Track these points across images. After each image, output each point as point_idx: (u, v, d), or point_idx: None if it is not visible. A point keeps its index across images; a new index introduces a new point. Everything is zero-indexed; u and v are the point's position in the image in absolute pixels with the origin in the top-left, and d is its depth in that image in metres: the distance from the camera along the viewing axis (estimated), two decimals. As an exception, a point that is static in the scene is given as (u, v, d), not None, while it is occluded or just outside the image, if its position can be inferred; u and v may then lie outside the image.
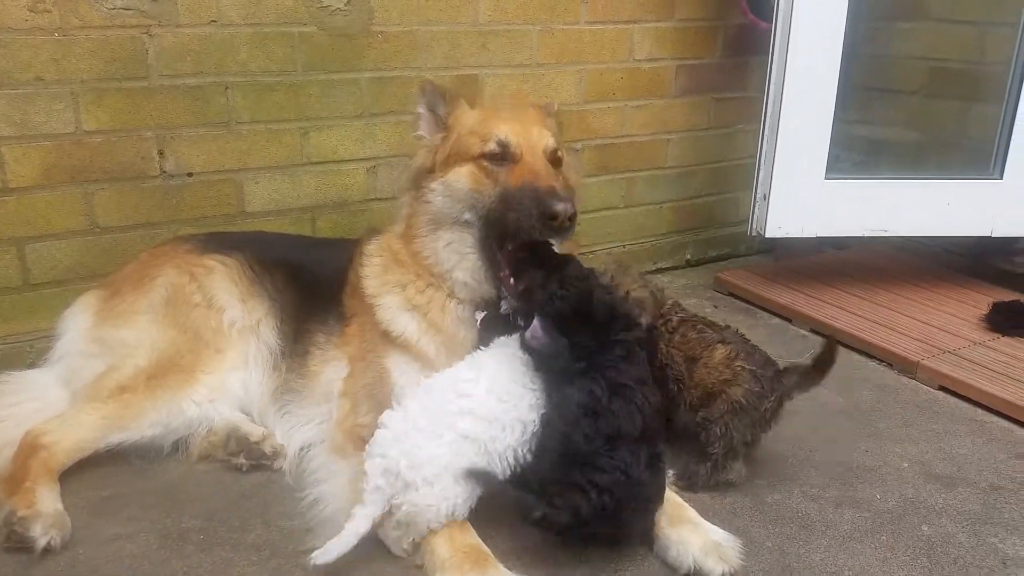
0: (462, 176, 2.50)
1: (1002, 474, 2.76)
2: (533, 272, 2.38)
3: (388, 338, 2.60)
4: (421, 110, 2.66)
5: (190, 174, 3.37)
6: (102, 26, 3.07)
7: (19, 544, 2.20)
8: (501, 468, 2.25)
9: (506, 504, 2.50)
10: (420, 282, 2.60)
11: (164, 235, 3.32)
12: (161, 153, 3.29)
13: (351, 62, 3.56)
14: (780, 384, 2.62)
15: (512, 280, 2.42)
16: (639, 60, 4.29)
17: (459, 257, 2.54)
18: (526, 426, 2.28)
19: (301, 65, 3.47)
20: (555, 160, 2.53)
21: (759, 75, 4.28)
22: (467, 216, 2.50)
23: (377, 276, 2.71)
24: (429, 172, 2.59)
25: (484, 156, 2.47)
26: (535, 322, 2.32)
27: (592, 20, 4.10)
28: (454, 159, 2.53)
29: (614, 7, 4.13)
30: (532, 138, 2.50)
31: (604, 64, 4.20)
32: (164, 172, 3.32)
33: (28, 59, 2.99)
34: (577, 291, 2.33)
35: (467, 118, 2.59)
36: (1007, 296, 3.96)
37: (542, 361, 2.32)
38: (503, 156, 2.46)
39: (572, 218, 2.33)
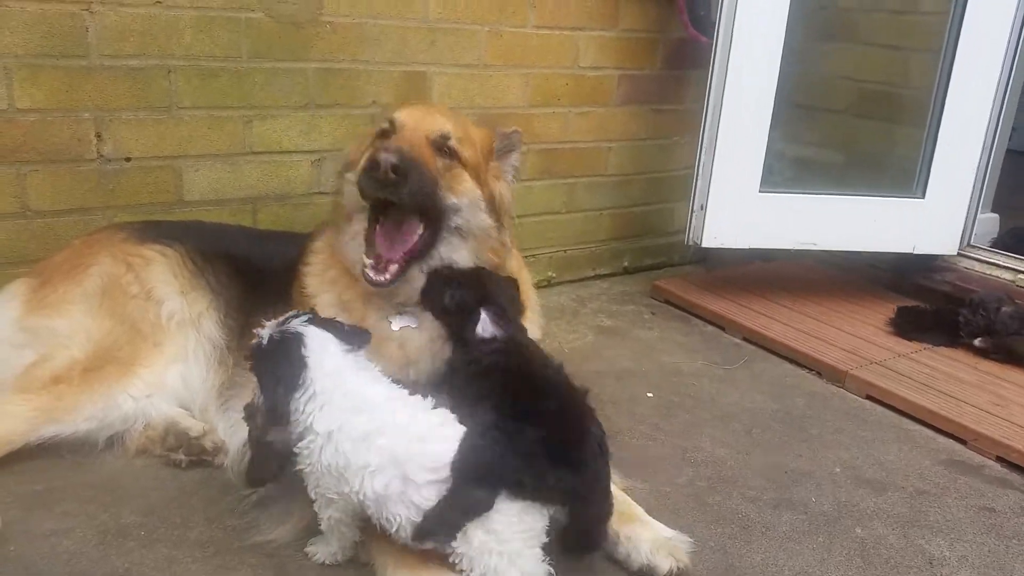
0: (363, 160, 2.42)
1: (927, 479, 2.90)
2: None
3: None
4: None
5: (128, 159, 3.25)
6: (39, 0, 2.93)
7: (-55, 541, 2.07)
8: None
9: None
10: (348, 277, 2.56)
11: (99, 221, 3.19)
12: (99, 136, 3.16)
13: (298, 51, 3.50)
14: None
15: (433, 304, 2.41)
16: (584, 67, 4.35)
17: (354, 237, 2.49)
18: None
19: (247, 52, 3.39)
20: (441, 148, 2.44)
21: (697, 88, 4.40)
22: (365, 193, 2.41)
23: (318, 274, 2.67)
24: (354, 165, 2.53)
25: (378, 136, 2.47)
26: (484, 315, 2.32)
27: (540, 25, 4.13)
28: (365, 150, 2.50)
29: (561, 14, 4.18)
30: (419, 120, 2.46)
31: (550, 69, 4.24)
32: (101, 156, 3.19)
33: (-43, 29, 2.83)
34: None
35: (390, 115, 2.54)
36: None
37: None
38: (387, 134, 2.44)
39: (397, 170, 2.24)
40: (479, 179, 2.54)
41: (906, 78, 4.84)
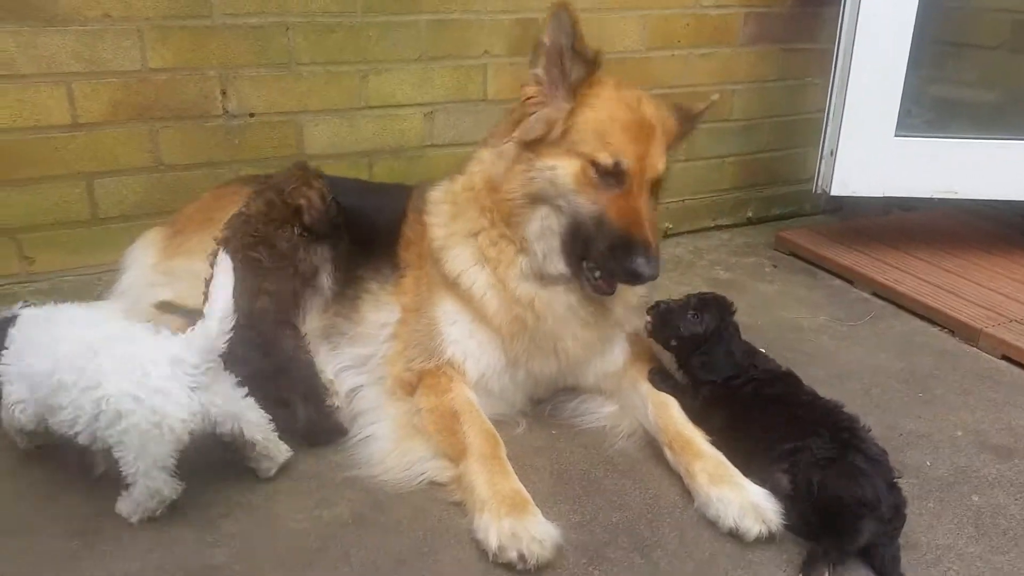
0: (570, 173, 2.40)
1: (1062, 447, 2.68)
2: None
3: (453, 288, 2.61)
4: (546, 40, 2.39)
5: (251, 115, 3.42)
6: (167, -38, 3.11)
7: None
8: None
9: (545, 448, 2.56)
10: (494, 231, 2.56)
11: (226, 175, 3.38)
12: (224, 93, 3.34)
13: (410, 4, 3.53)
14: None
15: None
16: (706, 6, 4.16)
17: (546, 235, 2.51)
18: None
19: (361, 6, 3.45)
20: (658, 184, 2.50)
21: (831, 26, 4.10)
22: (562, 204, 2.45)
23: (445, 225, 2.68)
24: (539, 142, 2.45)
25: (596, 164, 2.38)
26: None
27: (660, -41, 3.98)
28: (568, 146, 2.41)
29: (684, -57, 4.00)
30: (646, 166, 2.40)
31: (669, 10, 4.09)
32: (226, 112, 3.37)
33: (97, -5, 3.04)
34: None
35: (598, 104, 2.42)
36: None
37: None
38: (614, 176, 2.37)
39: (654, 278, 2.39)
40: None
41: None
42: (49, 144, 3.14)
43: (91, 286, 3.30)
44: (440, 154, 3.76)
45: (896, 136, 3.91)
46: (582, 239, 2.44)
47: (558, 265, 2.52)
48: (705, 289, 2.83)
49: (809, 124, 4.49)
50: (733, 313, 2.67)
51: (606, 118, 2.40)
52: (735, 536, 2.20)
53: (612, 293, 2.51)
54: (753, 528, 2.17)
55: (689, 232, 4.52)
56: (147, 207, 3.33)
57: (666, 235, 4.44)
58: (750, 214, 4.73)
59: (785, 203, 4.82)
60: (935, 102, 4.43)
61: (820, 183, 4.04)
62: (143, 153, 3.28)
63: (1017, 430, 2.77)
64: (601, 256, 2.40)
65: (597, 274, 2.45)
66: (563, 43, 2.37)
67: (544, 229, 2.51)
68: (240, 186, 3.14)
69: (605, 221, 2.38)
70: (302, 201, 2.83)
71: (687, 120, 2.63)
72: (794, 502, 2.20)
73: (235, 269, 2.24)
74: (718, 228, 4.62)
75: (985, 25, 4.63)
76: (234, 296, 2.19)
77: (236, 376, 2.29)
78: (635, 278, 2.38)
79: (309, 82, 3.47)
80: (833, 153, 3.94)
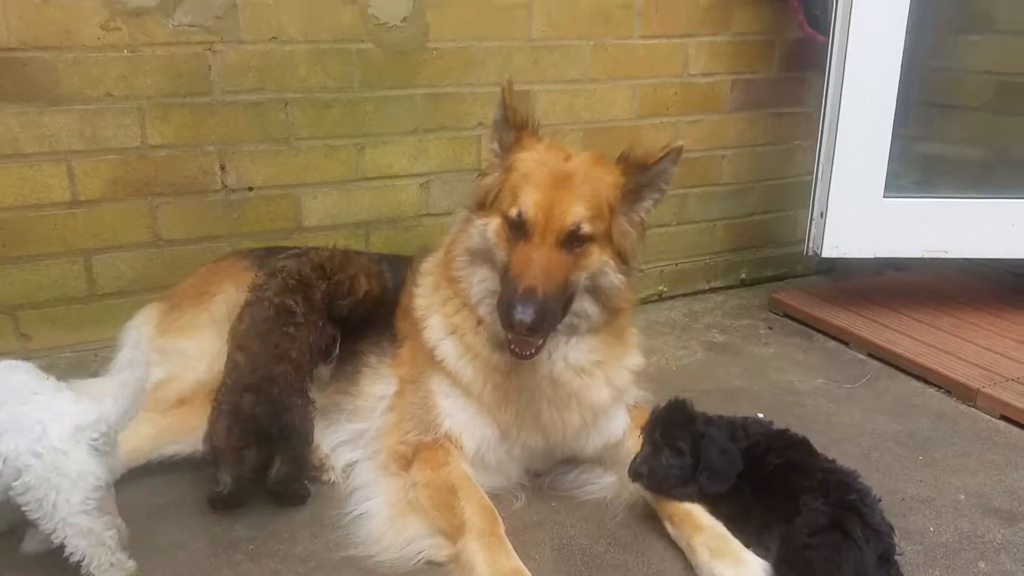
0: (492, 230, 2.48)
1: (1066, 511, 2.66)
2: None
3: (433, 360, 2.64)
4: (496, 117, 2.57)
5: (250, 188, 3.47)
6: (168, 43, 3.18)
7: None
8: None
9: (544, 522, 2.53)
10: (457, 300, 2.62)
11: (224, 248, 3.42)
12: (223, 168, 3.39)
13: (406, 78, 3.62)
14: None
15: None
16: (693, 75, 4.26)
17: (485, 293, 2.56)
18: None
19: (358, 81, 3.54)
20: (575, 238, 2.39)
21: (817, 90, 4.21)
22: (493, 260, 2.51)
23: (427, 296, 2.75)
24: (481, 208, 2.57)
25: (507, 218, 2.44)
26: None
27: (646, 35, 4.08)
28: (496, 206, 2.51)
29: (668, 21, 4.11)
30: (552, 216, 2.36)
31: (658, 79, 4.18)
32: (225, 186, 3.42)
33: (99, 75, 3.11)
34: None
35: (519, 165, 2.50)
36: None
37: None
38: (519, 227, 2.41)
39: (533, 328, 2.28)
40: (608, 238, 2.49)
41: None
42: (49, 221, 3.17)
43: (88, 363, 3.30)
44: (436, 223, 3.80)
45: (885, 197, 3.97)
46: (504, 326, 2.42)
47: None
48: (701, 354, 2.82)
49: (799, 186, 4.56)
50: (692, 416, 2.52)
51: (522, 175, 2.47)
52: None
53: (528, 355, 2.42)
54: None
55: (684, 295, 4.55)
56: (145, 282, 3.35)
57: (660, 298, 4.47)
58: (743, 276, 4.77)
59: (778, 264, 4.86)
60: (922, 163, 4.52)
61: (811, 245, 4.08)
62: (142, 229, 3.32)
63: (1020, 493, 2.75)
64: (497, 305, 2.41)
65: (509, 335, 2.41)
66: (500, 115, 2.54)
67: (485, 290, 2.55)
68: (236, 260, 3.18)
69: (507, 270, 2.40)
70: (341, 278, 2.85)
71: (638, 170, 2.49)
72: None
73: (264, 321, 2.44)
74: (712, 290, 4.65)
75: (969, 86, 4.73)
76: (257, 356, 2.37)
77: (238, 427, 2.40)
78: (510, 325, 2.29)
79: (307, 156, 3.53)
80: (823, 215, 3.99)
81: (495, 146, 2.61)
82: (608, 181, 2.48)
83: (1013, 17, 4.56)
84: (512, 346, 2.42)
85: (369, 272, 2.91)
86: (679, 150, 2.48)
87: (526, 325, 2.26)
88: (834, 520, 2.15)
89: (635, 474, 2.47)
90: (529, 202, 2.38)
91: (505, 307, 2.31)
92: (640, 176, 2.50)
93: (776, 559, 2.20)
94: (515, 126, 2.53)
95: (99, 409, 2.13)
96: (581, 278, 2.46)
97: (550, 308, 2.32)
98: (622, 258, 2.53)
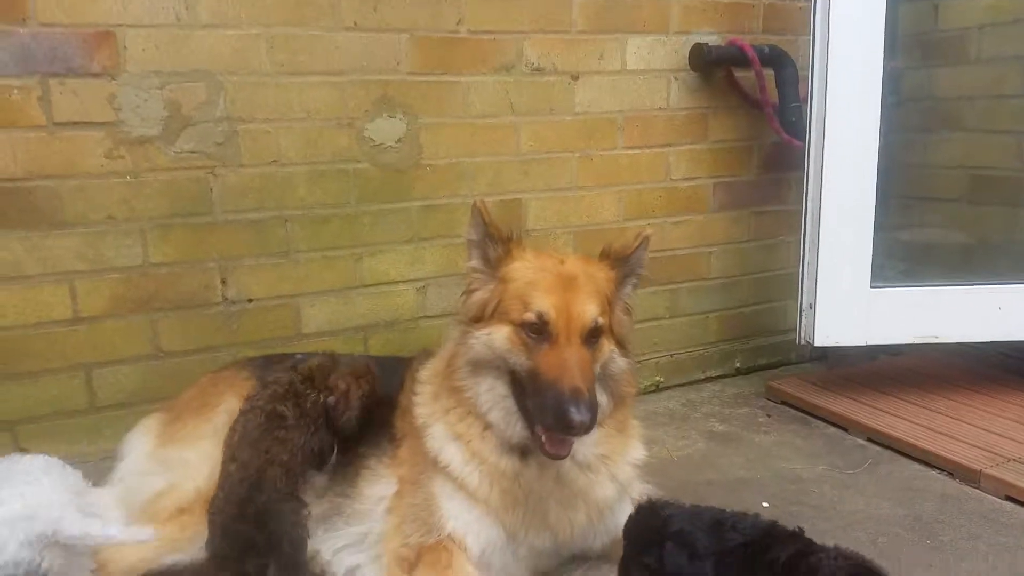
0: (502, 338, 2.53)
1: (1078, 590, 2.62)
2: None
3: (436, 465, 2.64)
4: (472, 237, 2.67)
5: (250, 300, 3.55)
6: (170, 168, 3.33)
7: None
8: None
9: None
10: (461, 409, 2.65)
11: (225, 358, 3.47)
12: (224, 282, 3.49)
13: (401, 193, 3.77)
14: None
15: None
16: (676, 180, 4.43)
17: (496, 400, 2.59)
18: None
19: (355, 198, 3.68)
20: (594, 334, 2.51)
21: (797, 189, 4.38)
22: (503, 366, 2.56)
23: (427, 404, 2.76)
24: (477, 321, 2.63)
25: (523, 325, 2.49)
26: None
27: (629, 146, 4.27)
28: (499, 316, 2.57)
29: (649, 134, 4.30)
30: (572, 316, 2.46)
31: (642, 184, 4.35)
32: (226, 299, 3.50)
33: (102, 200, 3.24)
34: None
35: (516, 275, 2.59)
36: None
37: None
38: (540, 331, 2.47)
39: (591, 426, 2.35)
40: (610, 329, 2.62)
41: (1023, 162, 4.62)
42: (49, 338, 3.24)
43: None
44: (433, 324, 3.88)
45: (872, 287, 4.05)
46: (526, 399, 2.48)
47: (520, 430, 2.55)
48: (702, 444, 2.79)
49: (786, 279, 4.67)
50: (664, 520, 2.30)
51: (526, 283, 2.55)
52: None
53: (564, 456, 2.46)
54: None
55: (681, 385, 4.59)
56: (146, 394, 3.39)
57: (658, 389, 4.50)
58: (738, 364, 4.81)
59: (772, 353, 4.91)
60: (907, 252, 4.64)
61: (803, 335, 4.15)
62: (142, 342, 3.38)
63: (1031, 575, 2.72)
64: (537, 410, 2.43)
65: (543, 437, 2.45)
66: (481, 235, 2.64)
67: (495, 397, 2.58)
68: (237, 370, 3.20)
69: (537, 375, 2.43)
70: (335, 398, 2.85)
71: (621, 261, 2.68)
72: None
73: (255, 428, 2.47)
74: (708, 380, 4.68)
75: (944, 180, 4.93)
76: (247, 464, 2.39)
77: (227, 540, 2.41)
78: (569, 427, 2.32)
79: (306, 267, 3.64)
80: (812, 307, 4.07)
81: (475, 263, 2.68)
82: (602, 276, 2.63)
83: (980, 116, 4.81)
84: (547, 447, 2.44)
85: (357, 374, 2.93)
86: (647, 237, 2.73)
87: (586, 425, 2.31)
88: None
89: None
90: (547, 305, 2.47)
91: (557, 410, 2.33)
92: (624, 267, 2.69)
93: None
94: (501, 240, 2.63)
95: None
96: (596, 369, 2.53)
97: (596, 403, 2.39)
98: (621, 345, 2.66)
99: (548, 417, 2.37)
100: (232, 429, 2.75)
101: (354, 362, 3.02)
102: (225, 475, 2.61)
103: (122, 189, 3.27)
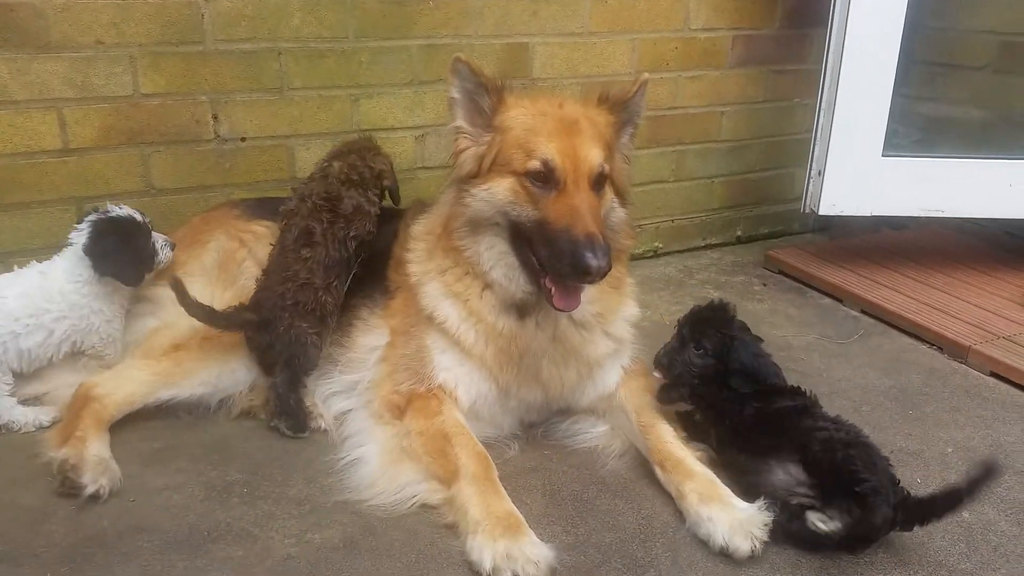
0: (504, 190, 2.44)
1: (1052, 464, 2.69)
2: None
3: (431, 322, 2.63)
4: (455, 95, 2.52)
5: (243, 139, 3.44)
6: (160, -10, 3.13)
7: (70, 490, 2.31)
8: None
9: (537, 468, 2.55)
10: (458, 269, 2.61)
11: (217, 198, 3.40)
12: (215, 117, 3.36)
13: (402, 29, 3.57)
14: None
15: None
16: (694, 29, 4.21)
17: (498, 257, 2.53)
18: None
19: (353, 32, 3.49)
20: (600, 179, 2.44)
21: (818, 47, 4.16)
22: (504, 221, 2.48)
23: (421, 262, 2.73)
24: (473, 177, 2.52)
25: (527, 174, 2.40)
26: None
27: (647, -13, 4.03)
28: (497, 168, 2.47)
29: (671, -26, 4.05)
30: (578, 160, 2.38)
31: (658, 33, 4.13)
32: (218, 136, 3.39)
33: (89, 22, 3.07)
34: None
35: (514, 123, 2.48)
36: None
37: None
38: (546, 179, 2.38)
39: (607, 271, 2.29)
40: (612, 177, 2.54)
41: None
42: (39, 169, 3.15)
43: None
44: (431, 175, 3.78)
45: (884, 156, 3.96)
46: (533, 251, 2.43)
47: (524, 286, 2.51)
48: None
49: (797, 144, 4.54)
50: (727, 319, 2.62)
51: (526, 130, 2.45)
52: (726, 555, 2.20)
53: (574, 307, 2.44)
54: (743, 545, 2.17)
55: (679, 251, 4.55)
56: (138, 231, 3.33)
57: (656, 254, 4.47)
58: (739, 233, 4.76)
59: (774, 222, 4.85)
60: (922, 122, 4.48)
61: (808, 203, 4.08)
62: (134, 177, 3.30)
63: (1006, 447, 2.78)
64: (550, 261, 2.36)
65: (552, 290, 2.41)
66: (469, 87, 2.49)
67: (496, 255, 2.53)
68: (228, 208, 3.17)
69: (546, 224, 2.36)
70: (383, 166, 3.02)
71: (619, 107, 2.59)
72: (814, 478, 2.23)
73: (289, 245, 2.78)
74: (708, 247, 4.64)
75: (971, 46, 4.69)
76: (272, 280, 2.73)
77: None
78: (585, 273, 2.27)
79: (301, 106, 3.50)
80: (821, 173, 3.98)
81: (460, 122, 2.54)
82: (602, 121, 2.55)
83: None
84: (556, 301, 2.39)
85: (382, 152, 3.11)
86: (645, 82, 2.65)
87: (603, 270, 2.27)
88: (856, 436, 2.30)
89: (656, 363, 2.60)
90: (552, 151, 2.38)
91: (573, 257, 2.26)
92: (622, 113, 2.61)
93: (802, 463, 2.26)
94: (493, 90, 2.50)
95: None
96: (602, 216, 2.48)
97: (609, 247, 2.32)
98: (620, 195, 2.61)
99: (564, 265, 2.30)
100: (274, 244, 2.87)
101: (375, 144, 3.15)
102: (259, 287, 2.79)
103: (110, 11, 3.09)
